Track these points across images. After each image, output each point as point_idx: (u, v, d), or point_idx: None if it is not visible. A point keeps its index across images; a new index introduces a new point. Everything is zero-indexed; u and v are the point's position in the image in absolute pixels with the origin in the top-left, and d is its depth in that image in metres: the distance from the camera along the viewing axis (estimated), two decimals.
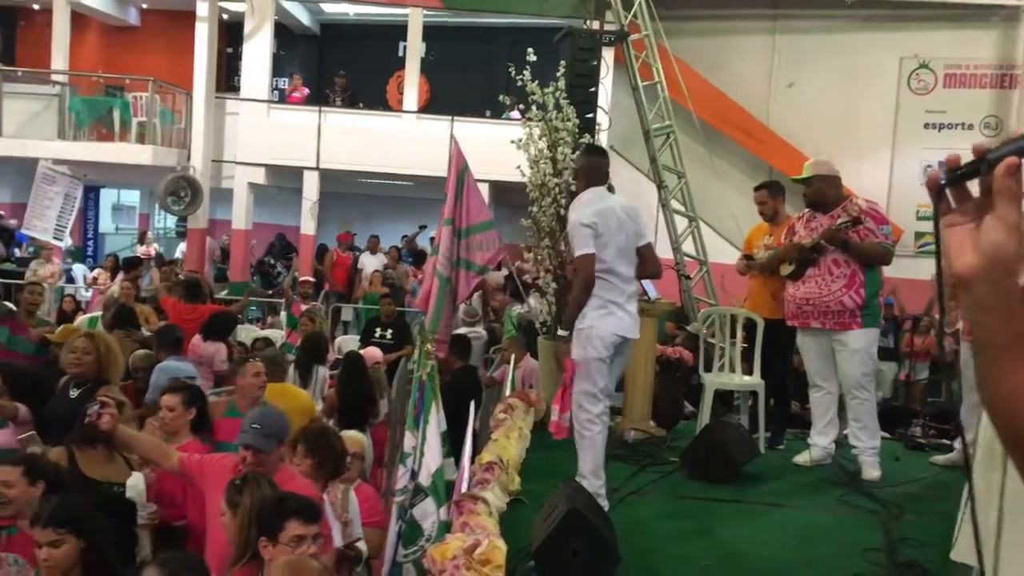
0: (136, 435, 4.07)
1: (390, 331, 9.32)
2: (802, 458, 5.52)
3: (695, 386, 6.60)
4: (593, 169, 4.60)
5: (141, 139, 14.01)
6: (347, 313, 12.84)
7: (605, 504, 4.20)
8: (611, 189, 4.66)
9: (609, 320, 4.30)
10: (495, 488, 4.18)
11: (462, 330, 9.46)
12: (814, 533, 4.39)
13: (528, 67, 6.29)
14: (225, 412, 4.80)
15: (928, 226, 13.82)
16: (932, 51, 14.11)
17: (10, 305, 8.74)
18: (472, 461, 4.41)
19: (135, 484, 3.90)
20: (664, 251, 12.01)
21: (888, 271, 5.42)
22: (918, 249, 13.85)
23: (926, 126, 14.15)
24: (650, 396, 6.09)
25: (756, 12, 14.77)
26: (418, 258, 13.90)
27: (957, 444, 5.84)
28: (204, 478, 3.75)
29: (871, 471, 5.22)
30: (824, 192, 5.34)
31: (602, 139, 7.11)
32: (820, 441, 5.48)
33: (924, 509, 4.70)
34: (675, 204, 12.46)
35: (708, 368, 6.18)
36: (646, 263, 4.50)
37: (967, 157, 1.13)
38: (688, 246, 12.69)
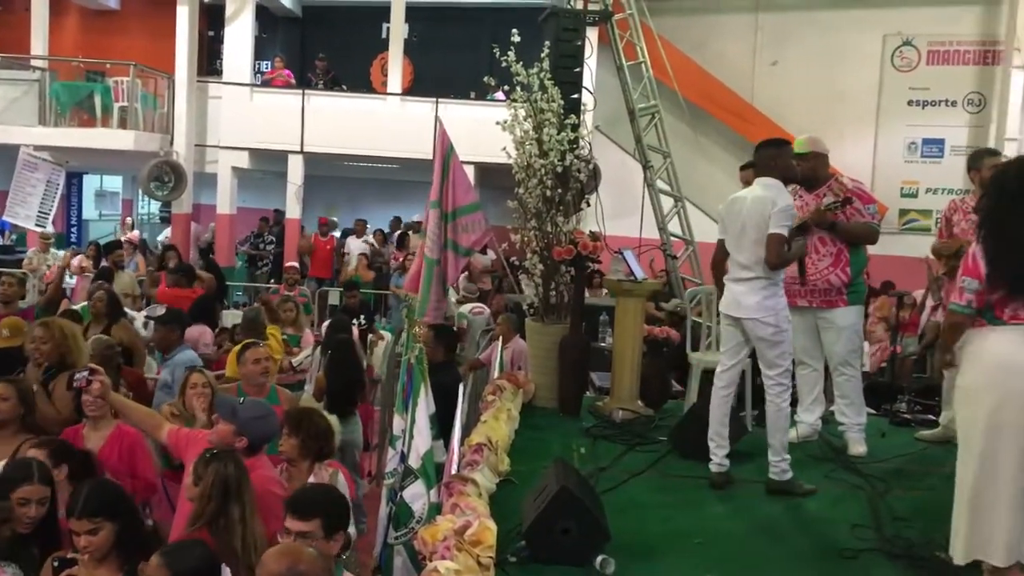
0: (129, 403, 4.26)
1: (363, 317, 9.41)
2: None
3: (682, 365, 6.62)
4: (756, 164, 4.71)
5: (123, 124, 13.87)
6: (333, 297, 12.81)
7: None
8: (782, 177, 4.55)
9: (722, 298, 4.71)
10: (484, 469, 4.20)
11: (466, 307, 9.48)
12: (802, 509, 4.42)
13: (512, 48, 6.24)
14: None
15: (911, 203, 14.03)
16: (915, 28, 14.12)
17: None
18: (461, 443, 4.42)
19: None
20: (650, 231, 12.08)
21: (872, 249, 5.45)
22: (902, 226, 13.95)
23: (910, 103, 14.18)
24: (638, 376, 6.11)
25: None
26: (401, 241, 13.84)
27: (942, 419, 5.88)
28: (187, 452, 3.93)
29: (857, 447, 5.26)
30: (816, 170, 5.37)
31: (587, 120, 7.07)
32: (806, 418, 5.53)
33: (910, 485, 4.75)
34: (661, 184, 12.49)
35: (695, 347, 6.20)
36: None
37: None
38: (674, 226, 12.73)
